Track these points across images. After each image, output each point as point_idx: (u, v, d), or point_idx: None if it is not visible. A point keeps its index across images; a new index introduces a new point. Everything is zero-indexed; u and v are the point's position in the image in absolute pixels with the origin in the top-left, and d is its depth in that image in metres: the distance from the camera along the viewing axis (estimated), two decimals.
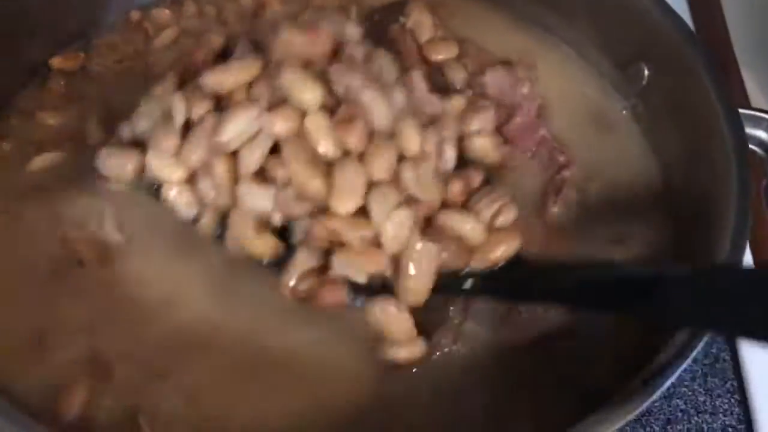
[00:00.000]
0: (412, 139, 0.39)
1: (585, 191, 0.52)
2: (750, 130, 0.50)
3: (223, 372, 0.43)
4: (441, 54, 0.57)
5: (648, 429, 0.57)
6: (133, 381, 0.42)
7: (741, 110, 0.49)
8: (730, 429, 0.57)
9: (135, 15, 0.60)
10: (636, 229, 0.50)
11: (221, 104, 0.40)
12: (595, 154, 0.54)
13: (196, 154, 0.39)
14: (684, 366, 0.38)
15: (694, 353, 0.38)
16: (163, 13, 0.60)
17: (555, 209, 0.50)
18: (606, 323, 0.44)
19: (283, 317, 0.43)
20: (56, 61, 0.56)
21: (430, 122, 0.41)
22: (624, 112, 0.57)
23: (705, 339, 0.39)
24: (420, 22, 0.58)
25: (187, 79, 0.42)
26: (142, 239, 0.46)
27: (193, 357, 0.43)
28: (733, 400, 0.58)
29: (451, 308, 0.45)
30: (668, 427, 0.57)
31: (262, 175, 0.39)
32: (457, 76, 0.55)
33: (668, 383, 0.38)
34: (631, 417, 0.37)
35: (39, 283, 0.45)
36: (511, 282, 0.41)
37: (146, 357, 0.43)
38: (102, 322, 0.44)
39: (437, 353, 0.43)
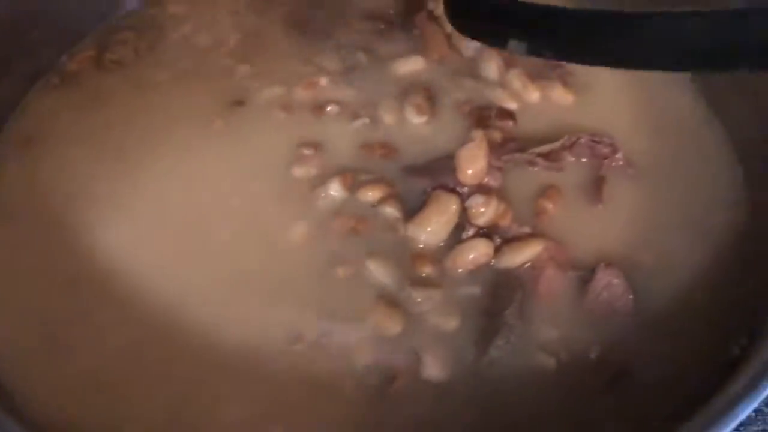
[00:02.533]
0: None
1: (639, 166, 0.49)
2: None
3: None
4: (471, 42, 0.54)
5: None
6: None
7: None
8: None
9: (153, 10, 0.57)
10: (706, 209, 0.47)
11: None
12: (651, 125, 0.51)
13: None
14: None
15: None
16: (181, 7, 0.57)
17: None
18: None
19: None
20: (71, 63, 0.54)
21: None
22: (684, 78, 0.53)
23: None
24: None
25: None
26: None
27: None
28: None
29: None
30: (741, 428, 0.53)
31: None
32: (490, 69, 0.53)
33: None
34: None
35: None
36: None
37: None
38: None
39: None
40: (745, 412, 0.32)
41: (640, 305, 0.43)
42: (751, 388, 0.33)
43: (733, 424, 0.32)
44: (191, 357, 0.41)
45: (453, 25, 0.48)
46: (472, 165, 0.45)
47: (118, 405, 0.40)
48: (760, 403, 0.53)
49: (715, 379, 0.37)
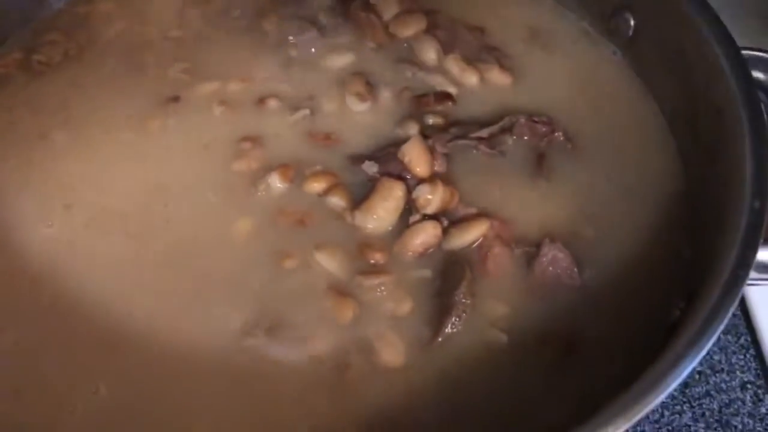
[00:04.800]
0: None
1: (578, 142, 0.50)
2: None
3: None
4: (408, 29, 0.54)
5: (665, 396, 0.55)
6: None
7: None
8: (749, 385, 0.55)
9: (81, 9, 0.56)
10: (644, 180, 0.48)
11: None
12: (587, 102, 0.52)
13: None
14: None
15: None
16: (110, 5, 0.56)
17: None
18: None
19: None
20: None
21: None
22: (615, 56, 0.55)
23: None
24: None
25: None
26: None
27: None
28: (749, 356, 0.56)
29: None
30: (686, 390, 0.55)
31: None
32: (428, 55, 0.53)
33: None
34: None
35: None
36: None
37: None
38: None
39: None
40: (684, 372, 0.33)
41: (584, 277, 0.44)
42: (690, 347, 0.34)
43: (674, 384, 0.33)
44: (142, 361, 0.41)
45: None
46: (420, 163, 0.46)
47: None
48: (702, 364, 0.56)
49: (658, 343, 0.38)
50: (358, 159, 0.48)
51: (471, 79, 0.53)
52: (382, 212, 0.45)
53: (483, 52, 0.55)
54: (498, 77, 0.53)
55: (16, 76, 0.52)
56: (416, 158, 0.46)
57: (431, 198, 0.45)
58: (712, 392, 0.55)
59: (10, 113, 0.50)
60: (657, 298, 0.42)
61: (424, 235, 0.44)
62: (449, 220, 0.45)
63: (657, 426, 0.54)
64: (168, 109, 0.51)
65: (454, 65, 0.53)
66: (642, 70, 0.53)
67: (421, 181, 0.46)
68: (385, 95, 0.52)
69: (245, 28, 0.55)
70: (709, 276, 0.37)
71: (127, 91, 0.52)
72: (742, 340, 0.57)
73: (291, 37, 0.55)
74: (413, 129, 0.49)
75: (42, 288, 0.43)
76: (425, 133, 0.48)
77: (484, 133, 0.48)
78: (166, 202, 0.46)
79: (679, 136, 0.50)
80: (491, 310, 0.42)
